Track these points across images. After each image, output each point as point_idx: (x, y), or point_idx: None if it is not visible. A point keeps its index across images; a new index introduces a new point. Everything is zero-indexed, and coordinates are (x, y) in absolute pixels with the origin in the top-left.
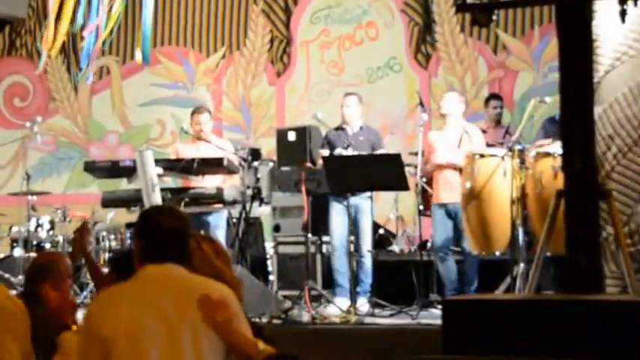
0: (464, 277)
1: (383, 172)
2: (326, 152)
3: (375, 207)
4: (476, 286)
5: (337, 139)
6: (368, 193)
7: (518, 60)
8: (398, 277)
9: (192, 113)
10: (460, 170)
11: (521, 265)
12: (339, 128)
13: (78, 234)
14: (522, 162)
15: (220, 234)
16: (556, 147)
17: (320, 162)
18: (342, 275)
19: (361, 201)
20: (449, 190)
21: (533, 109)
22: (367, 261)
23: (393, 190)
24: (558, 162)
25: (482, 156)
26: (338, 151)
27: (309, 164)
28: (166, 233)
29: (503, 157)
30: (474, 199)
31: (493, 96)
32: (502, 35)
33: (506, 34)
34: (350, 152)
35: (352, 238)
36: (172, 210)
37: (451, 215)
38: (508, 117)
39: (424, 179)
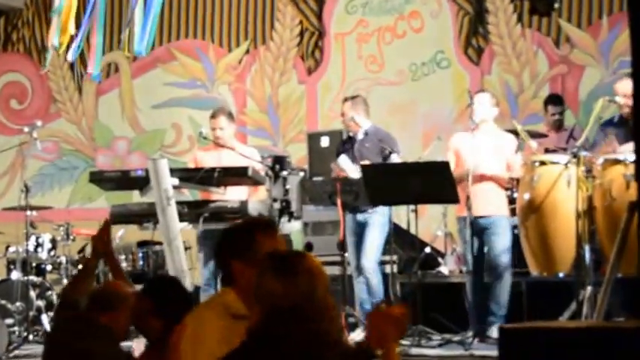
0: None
1: (429, 182)
2: (334, 164)
3: (420, 223)
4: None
5: (345, 150)
6: (378, 208)
7: (583, 54)
8: (448, 302)
9: (211, 116)
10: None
11: (589, 288)
12: (348, 138)
13: (99, 233)
14: (589, 170)
15: None
16: (627, 152)
17: (342, 173)
18: (366, 302)
19: (369, 216)
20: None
21: (602, 110)
22: (374, 279)
23: (441, 203)
24: (630, 170)
25: (542, 163)
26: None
27: (343, 174)
28: None
29: (566, 165)
30: (534, 212)
31: (552, 99)
32: (565, 26)
33: (570, 25)
34: (396, 159)
35: (347, 255)
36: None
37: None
38: (572, 119)
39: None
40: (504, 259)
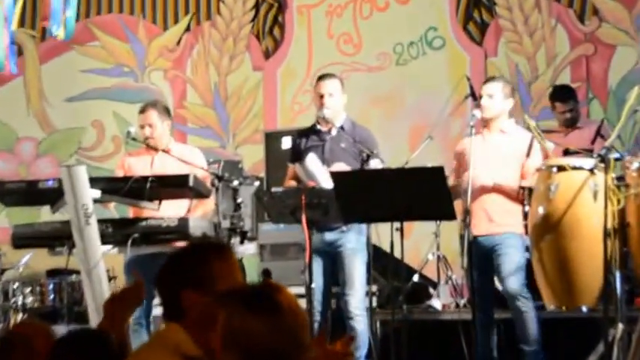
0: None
1: (418, 193)
2: (298, 168)
3: (407, 244)
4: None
5: (310, 148)
6: (354, 226)
7: (615, 30)
8: (441, 343)
9: (140, 111)
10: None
11: (620, 326)
12: (310, 131)
13: (117, 299)
14: (621, 177)
15: None
16: None
17: (292, 183)
18: None
19: (342, 237)
20: (485, 220)
21: (638, 101)
22: (360, 324)
23: (433, 220)
24: None
25: (561, 169)
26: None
27: (312, 183)
28: None
29: (592, 170)
30: (550, 231)
31: (557, 94)
32: None
33: None
34: (376, 164)
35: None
36: None
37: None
38: (600, 111)
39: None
40: (518, 281)
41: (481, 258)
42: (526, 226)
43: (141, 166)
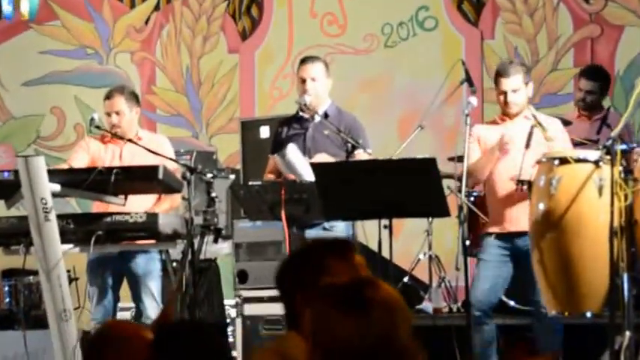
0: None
1: (409, 187)
2: (278, 159)
3: (396, 244)
4: None
5: (291, 137)
6: (337, 223)
7: (622, 10)
8: (432, 350)
9: (106, 97)
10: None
11: (627, 333)
12: (293, 119)
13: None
14: (628, 171)
15: (153, 285)
16: None
17: (271, 176)
18: None
19: (323, 234)
20: (509, 215)
21: None
22: None
23: (425, 217)
24: None
25: (564, 161)
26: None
27: (292, 176)
28: None
29: (597, 163)
30: (551, 229)
31: (586, 72)
32: None
33: None
34: (363, 155)
35: None
36: None
37: (514, 252)
38: (606, 99)
39: (472, 196)
40: None
41: (503, 255)
42: None
43: (109, 156)
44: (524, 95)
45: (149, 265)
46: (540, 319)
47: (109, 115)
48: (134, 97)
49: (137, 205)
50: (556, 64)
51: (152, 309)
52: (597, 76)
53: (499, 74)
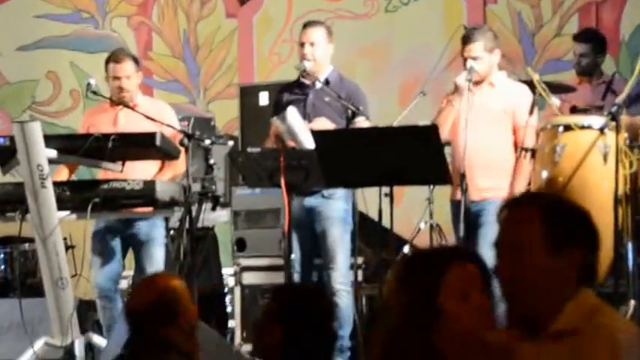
0: None
1: (409, 155)
2: (277, 122)
3: (397, 212)
4: None
5: (292, 102)
6: (337, 191)
7: None
8: None
9: (107, 61)
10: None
11: (632, 302)
12: (294, 84)
13: None
14: (634, 137)
15: (156, 253)
16: None
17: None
18: None
19: (323, 202)
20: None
21: None
22: (343, 300)
23: (426, 184)
24: None
25: (568, 128)
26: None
27: (291, 142)
28: None
29: (602, 130)
30: None
31: (578, 35)
32: None
33: None
34: (363, 123)
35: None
36: None
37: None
38: (611, 64)
39: None
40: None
41: (472, 225)
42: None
43: (103, 123)
44: (485, 63)
45: (152, 231)
46: None
47: (117, 79)
48: (137, 62)
49: (139, 174)
50: (560, 30)
51: None
52: (589, 38)
53: (462, 41)
